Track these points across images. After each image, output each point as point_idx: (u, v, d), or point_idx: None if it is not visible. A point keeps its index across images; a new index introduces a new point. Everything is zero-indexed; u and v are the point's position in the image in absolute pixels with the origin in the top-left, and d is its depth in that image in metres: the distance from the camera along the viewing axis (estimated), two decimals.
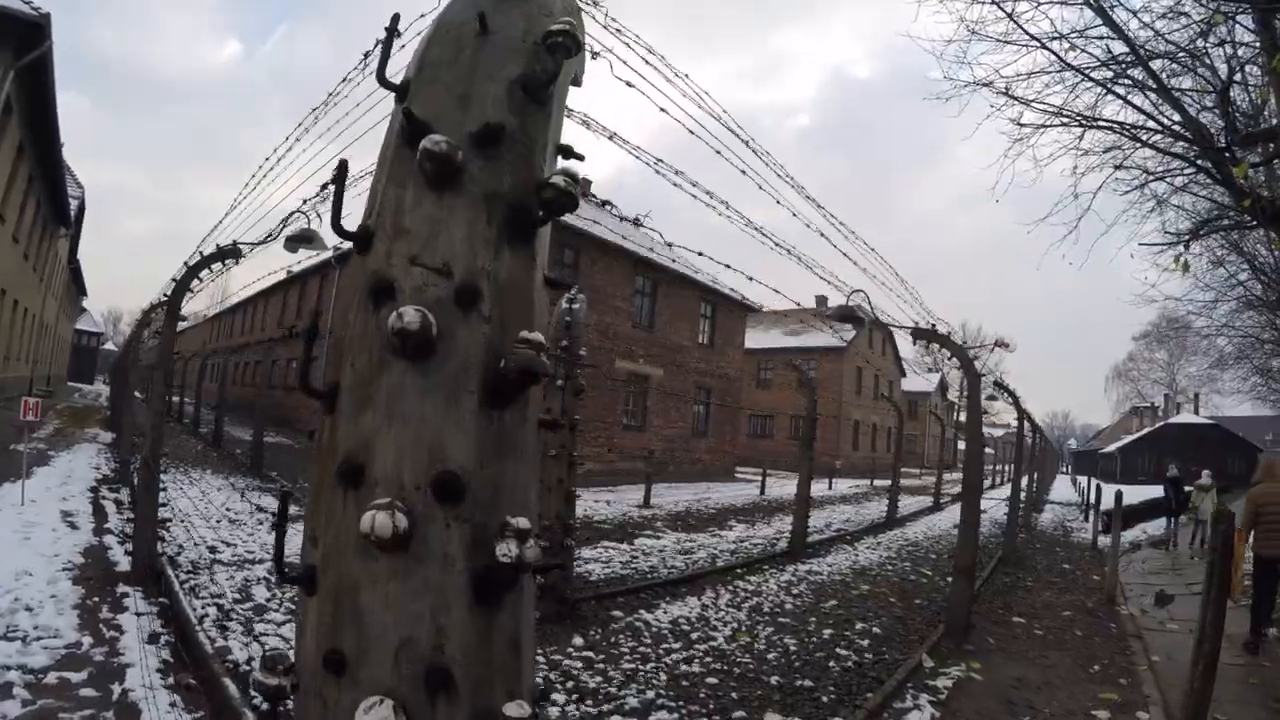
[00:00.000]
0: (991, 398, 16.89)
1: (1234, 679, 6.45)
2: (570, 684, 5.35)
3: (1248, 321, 22.88)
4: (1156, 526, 18.96)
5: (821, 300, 46.00)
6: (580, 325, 7.79)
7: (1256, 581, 7.91)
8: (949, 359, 9.84)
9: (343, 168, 1.65)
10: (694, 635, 6.91)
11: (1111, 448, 58.67)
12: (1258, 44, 9.68)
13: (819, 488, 16.59)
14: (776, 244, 6.84)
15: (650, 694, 5.29)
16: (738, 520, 16.26)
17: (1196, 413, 54.94)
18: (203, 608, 6.16)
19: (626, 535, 12.43)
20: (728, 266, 7.13)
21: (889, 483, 20.91)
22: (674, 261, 20.22)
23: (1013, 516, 14.00)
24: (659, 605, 7.93)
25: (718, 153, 5.54)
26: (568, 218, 17.90)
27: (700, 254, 6.72)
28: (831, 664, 6.35)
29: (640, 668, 5.85)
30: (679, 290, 25.22)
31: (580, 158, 1.65)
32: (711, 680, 5.70)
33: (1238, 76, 10.08)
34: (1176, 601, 9.51)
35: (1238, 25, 9.76)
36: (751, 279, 7.42)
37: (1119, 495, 10.80)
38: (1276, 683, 6.57)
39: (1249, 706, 5.93)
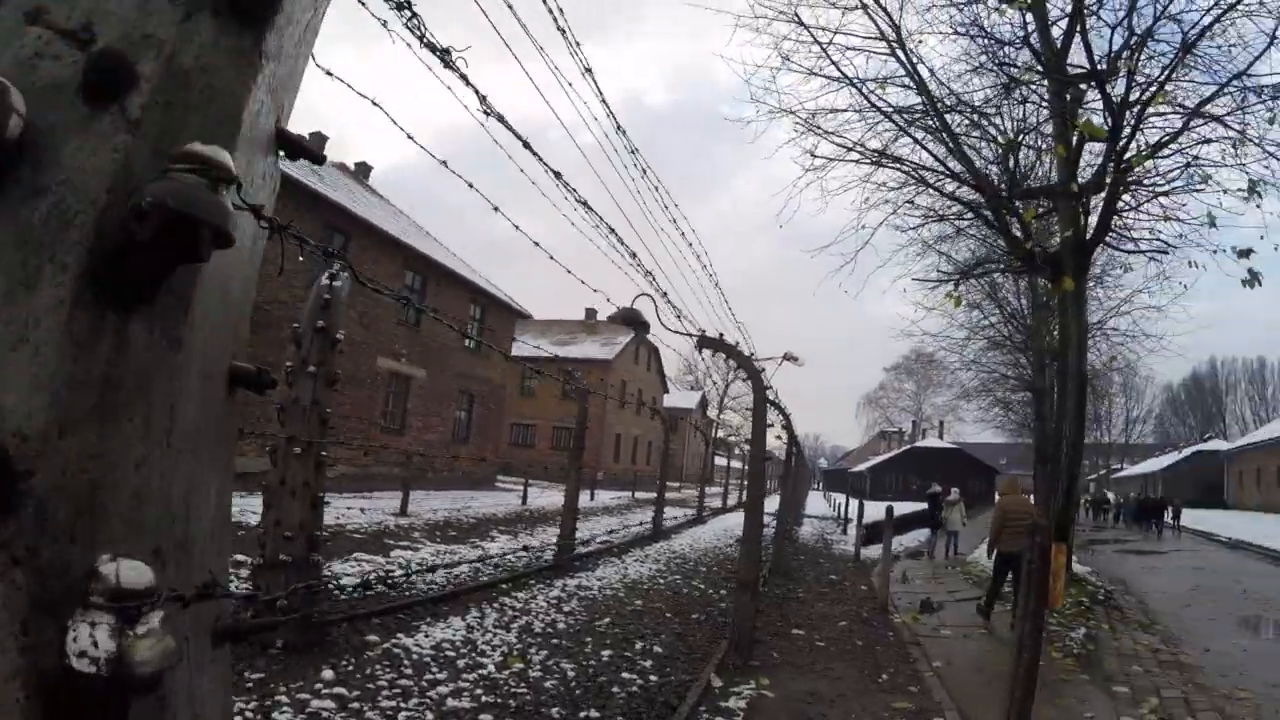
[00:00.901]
0: None
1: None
2: None
3: (993, 359, 26.15)
4: (910, 539, 20.57)
5: (591, 313, 46.40)
6: (340, 305, 6.73)
7: (996, 571, 9.23)
8: (735, 369, 9.82)
9: None
10: (460, 662, 6.08)
11: (862, 467, 64.84)
12: (1047, 109, 10.82)
13: (582, 498, 16.20)
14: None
15: None
16: (500, 531, 15.51)
17: (941, 438, 62.67)
18: None
19: (382, 546, 11.26)
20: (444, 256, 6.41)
21: (651, 495, 21.08)
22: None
23: (780, 529, 14.43)
24: (419, 627, 7.01)
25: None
26: (341, 197, 16.22)
27: (457, 256, 5.94)
28: (616, 689, 5.80)
29: (402, 705, 4.95)
30: (449, 289, 23.98)
31: None
32: (485, 716, 4.94)
33: (1023, 138, 11.25)
34: (943, 608, 10.05)
35: (1032, 90, 10.89)
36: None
37: (890, 510, 11.35)
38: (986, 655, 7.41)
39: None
